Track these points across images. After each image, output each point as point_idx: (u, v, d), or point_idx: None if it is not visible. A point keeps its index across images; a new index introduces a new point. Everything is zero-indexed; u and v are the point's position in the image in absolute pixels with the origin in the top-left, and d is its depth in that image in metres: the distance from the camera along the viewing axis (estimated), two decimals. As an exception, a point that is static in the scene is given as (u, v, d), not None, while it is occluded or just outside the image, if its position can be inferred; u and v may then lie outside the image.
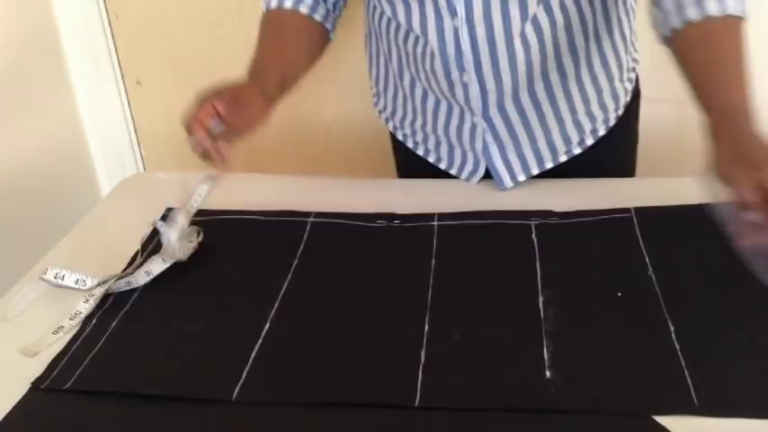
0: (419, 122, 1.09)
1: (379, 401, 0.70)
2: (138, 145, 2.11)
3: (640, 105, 1.13)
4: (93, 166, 2.07)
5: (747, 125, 0.80)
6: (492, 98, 0.99)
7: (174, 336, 0.80)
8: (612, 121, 1.06)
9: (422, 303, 0.82)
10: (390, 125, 1.16)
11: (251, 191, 1.09)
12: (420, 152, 1.13)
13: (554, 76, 0.99)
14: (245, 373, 0.74)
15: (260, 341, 0.79)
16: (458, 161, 1.09)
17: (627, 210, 0.96)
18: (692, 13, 0.84)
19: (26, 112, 1.77)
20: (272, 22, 1.03)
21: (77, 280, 0.87)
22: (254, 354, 0.77)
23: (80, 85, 1.97)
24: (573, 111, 1.03)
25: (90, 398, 0.73)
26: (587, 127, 1.05)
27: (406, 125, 1.12)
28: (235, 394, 0.72)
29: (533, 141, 1.03)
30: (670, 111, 1.76)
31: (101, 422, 0.71)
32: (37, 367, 0.77)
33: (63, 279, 0.88)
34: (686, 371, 0.71)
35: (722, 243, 0.75)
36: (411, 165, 1.16)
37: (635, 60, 1.09)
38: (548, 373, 0.72)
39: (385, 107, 1.14)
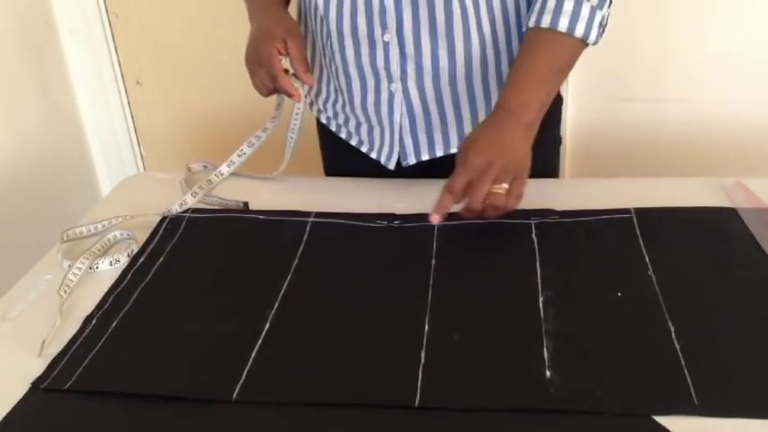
0: (340, 102, 1.11)
1: (379, 401, 0.70)
2: (138, 145, 2.11)
3: (562, 111, 1.16)
4: (93, 166, 2.07)
5: (506, 126, 0.90)
6: (411, 66, 1.01)
7: (174, 336, 0.80)
8: None
9: (422, 303, 0.82)
10: (315, 109, 1.17)
11: (251, 191, 1.09)
12: (343, 135, 1.14)
13: (475, 64, 1.01)
14: (245, 373, 0.74)
15: (260, 341, 0.79)
16: (377, 142, 1.10)
17: (627, 210, 0.96)
18: (532, 21, 0.94)
19: (26, 112, 1.78)
20: None
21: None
22: (254, 354, 0.77)
23: (80, 85, 1.97)
24: (488, 102, 1.05)
25: (90, 398, 0.73)
26: None
27: (329, 107, 1.14)
28: (235, 394, 0.72)
29: (444, 124, 1.06)
30: (673, 110, 1.76)
31: (101, 422, 0.71)
32: (37, 367, 0.77)
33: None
34: (686, 371, 0.71)
35: (722, 243, 0.75)
36: (337, 158, 1.18)
37: None
38: (548, 373, 0.72)
39: (311, 89, 1.16)
